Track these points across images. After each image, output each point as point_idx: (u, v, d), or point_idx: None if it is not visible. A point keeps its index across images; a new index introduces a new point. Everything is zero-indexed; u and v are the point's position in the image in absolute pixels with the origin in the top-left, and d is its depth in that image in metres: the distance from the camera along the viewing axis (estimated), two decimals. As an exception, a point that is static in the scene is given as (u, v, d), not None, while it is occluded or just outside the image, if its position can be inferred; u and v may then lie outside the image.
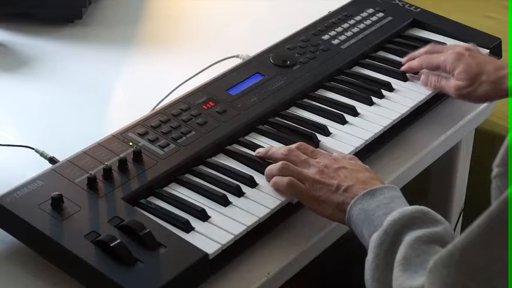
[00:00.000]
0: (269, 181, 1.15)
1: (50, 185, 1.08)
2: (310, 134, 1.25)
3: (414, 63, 1.40)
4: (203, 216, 1.08)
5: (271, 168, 1.15)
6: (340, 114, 1.30)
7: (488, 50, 1.48)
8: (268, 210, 1.11)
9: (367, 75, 1.41)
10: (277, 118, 1.29)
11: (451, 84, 1.35)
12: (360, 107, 1.33)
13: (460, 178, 1.68)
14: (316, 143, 1.24)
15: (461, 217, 1.73)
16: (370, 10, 1.56)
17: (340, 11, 1.56)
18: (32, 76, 1.48)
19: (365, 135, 1.26)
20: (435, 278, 0.80)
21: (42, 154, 1.19)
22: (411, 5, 1.59)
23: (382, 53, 1.48)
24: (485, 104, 1.46)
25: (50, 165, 1.16)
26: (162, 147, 1.17)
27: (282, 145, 1.22)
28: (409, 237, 0.97)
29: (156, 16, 1.73)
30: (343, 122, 1.29)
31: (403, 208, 1.02)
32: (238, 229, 1.07)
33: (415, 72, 1.41)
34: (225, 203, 1.11)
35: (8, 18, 1.62)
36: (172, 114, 1.24)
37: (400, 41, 1.51)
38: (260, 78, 1.35)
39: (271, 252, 1.11)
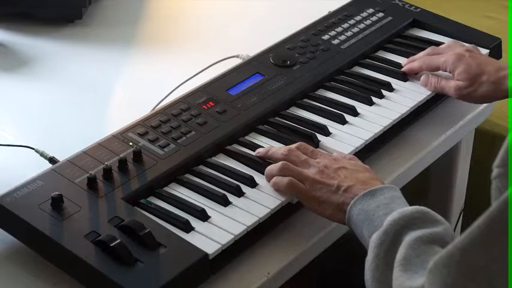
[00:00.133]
0: (269, 181, 1.15)
1: (50, 185, 1.08)
2: (310, 134, 1.25)
3: (414, 65, 1.41)
4: (203, 216, 1.08)
5: (271, 168, 1.15)
6: (340, 114, 1.30)
7: (488, 50, 1.48)
8: (268, 210, 1.11)
9: (367, 75, 1.41)
10: (277, 118, 1.29)
11: (451, 84, 1.35)
12: (360, 107, 1.33)
13: (460, 178, 1.68)
14: (316, 143, 1.24)
15: (461, 217, 1.73)
16: (370, 10, 1.56)
17: (340, 11, 1.56)
18: (32, 76, 1.48)
19: (365, 135, 1.26)
20: (435, 278, 0.80)
21: (42, 154, 1.19)
22: (411, 5, 1.59)
23: (382, 53, 1.48)
24: (485, 104, 1.46)
25: (50, 165, 1.16)
26: (162, 147, 1.17)
27: (282, 145, 1.22)
28: (409, 237, 0.97)
29: (156, 16, 1.73)
30: (343, 122, 1.29)
31: (403, 208, 1.02)
32: (238, 229, 1.07)
33: (415, 74, 1.41)
34: (225, 203, 1.11)
35: (8, 18, 1.62)
36: (172, 114, 1.24)
37: (400, 41, 1.51)
38: (260, 78, 1.35)
39: (271, 252, 1.11)
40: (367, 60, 1.45)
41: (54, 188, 1.07)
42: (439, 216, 1.01)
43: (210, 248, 1.03)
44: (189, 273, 1.00)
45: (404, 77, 1.41)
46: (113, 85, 1.50)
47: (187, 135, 1.20)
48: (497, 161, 0.76)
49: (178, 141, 1.19)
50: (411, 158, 1.32)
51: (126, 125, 1.21)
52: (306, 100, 1.33)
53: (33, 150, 1.20)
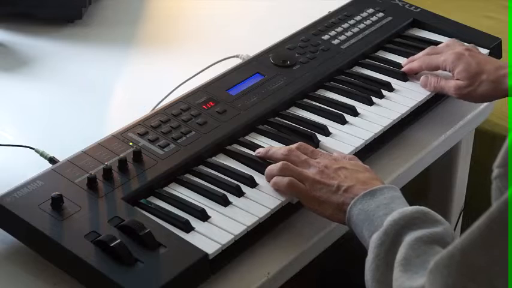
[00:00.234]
0: (269, 181, 1.15)
1: (50, 185, 1.08)
2: (310, 134, 1.25)
3: (414, 65, 1.41)
4: (203, 216, 1.08)
5: (272, 168, 1.15)
6: (340, 114, 1.30)
7: (488, 50, 1.48)
8: (268, 210, 1.11)
9: (367, 75, 1.41)
10: (277, 118, 1.29)
11: (451, 84, 1.35)
12: (360, 107, 1.33)
13: (460, 178, 1.68)
14: (316, 143, 1.23)
15: (461, 217, 1.73)
16: (370, 10, 1.56)
17: (340, 11, 1.56)
18: (32, 76, 1.48)
19: (365, 135, 1.26)
20: (436, 278, 0.80)
21: (42, 154, 1.19)
22: (411, 5, 1.59)
23: (382, 53, 1.48)
24: (485, 104, 1.46)
25: (50, 165, 1.16)
26: (162, 147, 1.17)
27: (282, 145, 1.22)
28: (409, 237, 0.97)
29: (156, 16, 1.73)
30: (343, 122, 1.29)
31: (403, 208, 1.02)
32: (238, 229, 1.07)
33: (415, 73, 1.41)
34: (225, 203, 1.11)
35: (8, 18, 1.62)
36: (172, 114, 1.24)
37: (400, 41, 1.51)
38: (260, 78, 1.35)
39: (271, 252, 1.11)
40: (367, 60, 1.45)
41: (54, 188, 1.07)
42: (439, 216, 1.01)
43: (210, 248, 1.03)
44: (189, 273, 1.00)
45: (404, 77, 1.41)
46: (113, 85, 1.50)
47: (187, 135, 1.20)
48: (498, 161, 0.76)
49: (178, 141, 1.19)
50: (411, 158, 1.32)
51: (126, 125, 1.21)
52: (306, 100, 1.33)
53: (33, 150, 1.20)
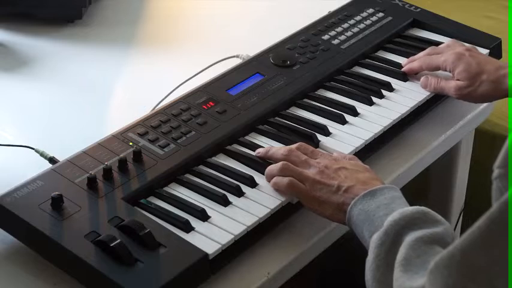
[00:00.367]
0: (269, 181, 1.15)
1: (50, 185, 1.08)
2: (310, 134, 1.25)
3: (414, 65, 1.41)
4: (203, 216, 1.08)
5: (272, 168, 1.15)
6: (340, 114, 1.30)
7: (488, 50, 1.48)
8: (268, 210, 1.11)
9: (367, 75, 1.41)
10: (277, 118, 1.29)
11: (451, 84, 1.35)
12: (360, 107, 1.33)
13: (460, 178, 1.68)
14: (316, 143, 1.23)
15: (461, 217, 1.73)
16: (370, 10, 1.56)
17: (340, 11, 1.56)
18: (32, 76, 1.48)
19: (365, 135, 1.26)
20: (436, 279, 0.80)
21: (42, 154, 1.19)
22: (411, 5, 1.59)
23: (382, 53, 1.48)
24: (485, 104, 1.46)
25: (50, 165, 1.16)
26: (162, 147, 1.17)
27: (282, 145, 1.22)
28: (410, 237, 0.97)
29: (156, 16, 1.73)
30: (343, 122, 1.29)
31: (404, 209, 1.02)
32: (238, 229, 1.07)
33: (416, 73, 1.41)
34: (225, 203, 1.11)
35: (8, 18, 1.62)
36: (172, 114, 1.24)
37: (400, 41, 1.51)
38: (260, 78, 1.35)
39: (271, 252, 1.11)
40: (367, 60, 1.45)
41: (54, 188, 1.07)
42: (439, 217, 1.01)
43: (210, 248, 1.03)
44: (189, 273, 1.00)
45: (404, 77, 1.41)
46: (113, 85, 1.50)
47: (187, 135, 1.20)
48: (498, 161, 0.76)
49: (178, 141, 1.19)
50: (411, 158, 1.32)
51: (126, 125, 1.21)
52: (306, 100, 1.33)
53: (33, 150, 1.20)
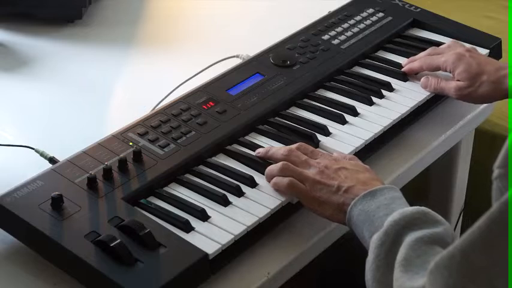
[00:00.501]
0: (269, 181, 1.15)
1: (50, 185, 1.08)
2: (310, 134, 1.25)
3: (415, 65, 1.41)
4: (203, 216, 1.08)
5: (272, 168, 1.15)
6: (340, 114, 1.30)
7: (488, 50, 1.48)
8: (268, 210, 1.11)
9: (367, 75, 1.41)
10: (277, 118, 1.29)
11: (451, 85, 1.35)
12: (360, 107, 1.33)
13: (460, 178, 1.68)
14: (316, 143, 1.23)
15: (461, 217, 1.73)
16: (370, 10, 1.56)
17: (340, 11, 1.56)
18: (32, 76, 1.48)
19: (365, 135, 1.26)
20: (436, 279, 0.80)
21: (42, 154, 1.19)
22: (411, 5, 1.59)
23: (382, 53, 1.48)
24: (485, 104, 1.46)
25: (50, 165, 1.16)
26: (162, 147, 1.17)
27: (282, 145, 1.22)
28: (410, 238, 0.97)
29: (156, 16, 1.73)
30: (343, 122, 1.29)
31: (404, 209, 1.02)
32: (238, 229, 1.07)
33: (416, 74, 1.41)
34: (225, 203, 1.11)
35: (8, 18, 1.62)
36: (172, 114, 1.24)
37: (400, 41, 1.51)
38: (260, 78, 1.35)
39: (271, 252, 1.11)
40: (367, 60, 1.45)
41: (54, 188, 1.07)
42: (439, 217, 1.01)
43: (210, 248, 1.03)
44: (189, 273, 1.00)
45: (404, 77, 1.41)
46: (113, 85, 1.50)
47: (187, 135, 1.20)
48: (498, 161, 0.76)
49: (178, 141, 1.19)
50: (411, 158, 1.32)
51: (126, 125, 1.21)
52: (306, 100, 1.33)
53: (33, 150, 1.20)
